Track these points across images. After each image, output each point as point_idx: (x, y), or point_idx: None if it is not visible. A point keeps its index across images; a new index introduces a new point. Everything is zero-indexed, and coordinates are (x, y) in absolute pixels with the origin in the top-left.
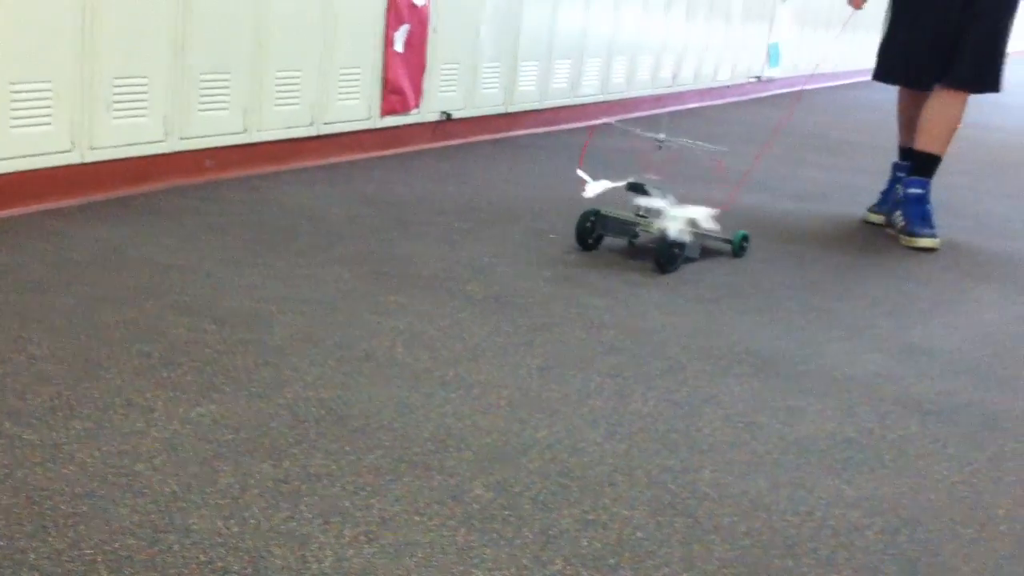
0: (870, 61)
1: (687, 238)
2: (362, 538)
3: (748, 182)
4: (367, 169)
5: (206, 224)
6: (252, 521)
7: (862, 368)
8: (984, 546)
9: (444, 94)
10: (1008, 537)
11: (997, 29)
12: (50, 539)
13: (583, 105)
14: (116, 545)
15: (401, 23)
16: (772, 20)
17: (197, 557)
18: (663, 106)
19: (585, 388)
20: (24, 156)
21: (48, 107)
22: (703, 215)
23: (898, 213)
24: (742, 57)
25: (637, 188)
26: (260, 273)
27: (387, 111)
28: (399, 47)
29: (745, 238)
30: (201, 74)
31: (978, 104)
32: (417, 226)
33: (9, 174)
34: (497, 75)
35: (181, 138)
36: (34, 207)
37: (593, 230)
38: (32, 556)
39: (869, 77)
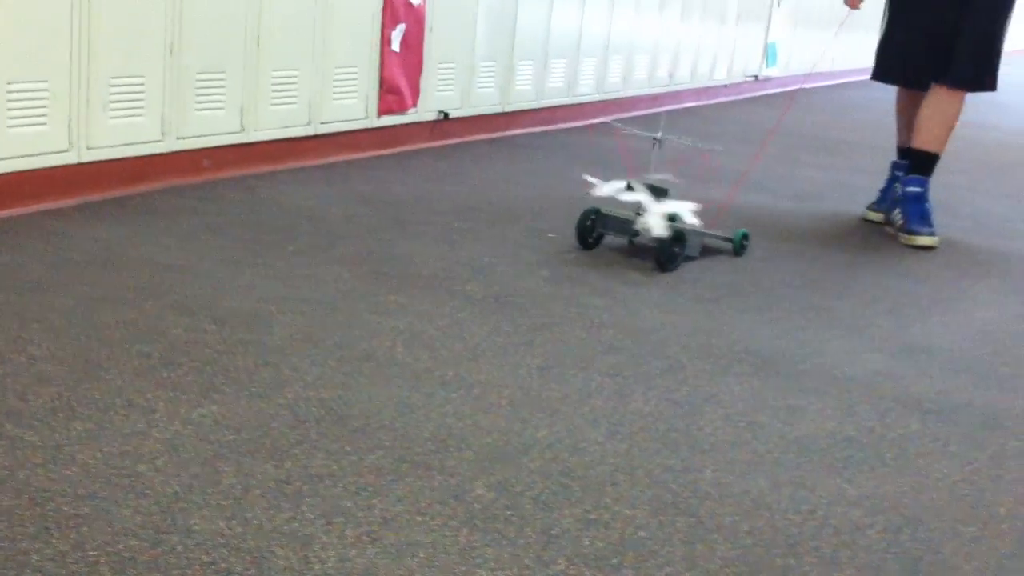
0: (867, 60)
1: (666, 233)
2: (364, 538)
3: (746, 181)
4: (364, 169)
5: (204, 224)
6: (254, 522)
7: (862, 367)
8: (986, 544)
9: (441, 93)
10: (1009, 535)
11: (993, 28)
12: (53, 541)
13: (579, 104)
14: (119, 546)
15: (397, 22)
16: (769, 19)
17: (200, 558)
18: (660, 105)
19: (586, 387)
20: (21, 156)
21: (45, 107)
22: (684, 210)
23: (897, 211)
24: (739, 56)
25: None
26: (259, 273)
27: (384, 111)
28: (396, 47)
29: (746, 236)
30: (197, 73)
31: (975, 103)
32: (415, 226)
33: (6, 174)
34: (493, 74)
35: (178, 138)
36: (32, 207)
37: (593, 229)
38: (35, 558)
39: (866, 76)
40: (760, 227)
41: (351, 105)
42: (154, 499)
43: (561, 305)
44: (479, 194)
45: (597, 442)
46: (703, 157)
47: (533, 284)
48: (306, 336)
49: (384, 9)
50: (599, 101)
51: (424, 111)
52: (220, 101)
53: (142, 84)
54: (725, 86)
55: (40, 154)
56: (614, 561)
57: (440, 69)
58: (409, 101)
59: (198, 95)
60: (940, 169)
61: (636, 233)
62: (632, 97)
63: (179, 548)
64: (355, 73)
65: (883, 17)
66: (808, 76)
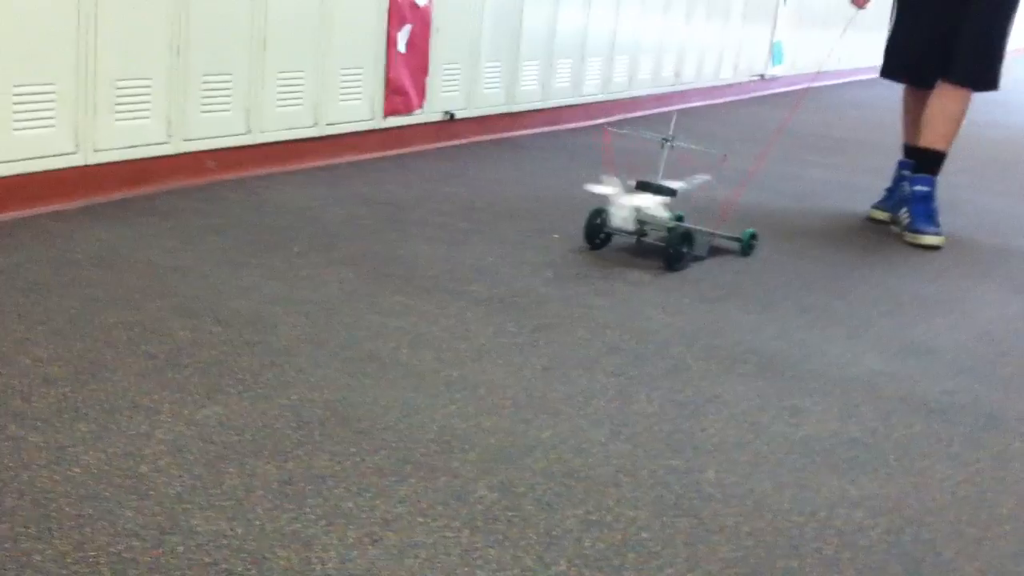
0: (872, 59)
1: (631, 226)
2: (366, 539)
3: (751, 181)
4: (370, 170)
5: (209, 225)
6: (257, 523)
7: (865, 367)
8: (988, 545)
9: (446, 94)
10: (1012, 536)
11: (995, 28)
12: (55, 541)
13: (585, 104)
14: (121, 547)
15: (403, 23)
16: (775, 18)
17: (202, 559)
18: (665, 105)
19: (589, 388)
20: (27, 158)
21: (51, 109)
22: (650, 203)
23: (904, 210)
24: (744, 56)
25: (646, 187)
26: (263, 274)
27: (390, 111)
28: (402, 47)
29: (754, 236)
30: (203, 75)
31: (979, 102)
32: (420, 226)
33: (12, 176)
34: (499, 75)
35: (183, 139)
36: (37, 209)
37: (601, 228)
38: (37, 558)
39: (872, 75)
40: (764, 227)
41: (356, 106)
42: (156, 500)
43: (565, 306)
44: (484, 195)
45: (600, 443)
46: (718, 161)
47: (537, 285)
48: (310, 337)
49: (390, 10)
50: (605, 101)
51: (430, 112)
52: (225, 103)
53: (148, 86)
54: (731, 85)
55: (46, 156)
56: (616, 562)
57: (446, 70)
58: (415, 102)
59: (203, 97)
60: (943, 167)
61: (644, 233)
62: (638, 97)
63: (181, 549)
64: (361, 74)
65: (891, 15)
66: (816, 76)
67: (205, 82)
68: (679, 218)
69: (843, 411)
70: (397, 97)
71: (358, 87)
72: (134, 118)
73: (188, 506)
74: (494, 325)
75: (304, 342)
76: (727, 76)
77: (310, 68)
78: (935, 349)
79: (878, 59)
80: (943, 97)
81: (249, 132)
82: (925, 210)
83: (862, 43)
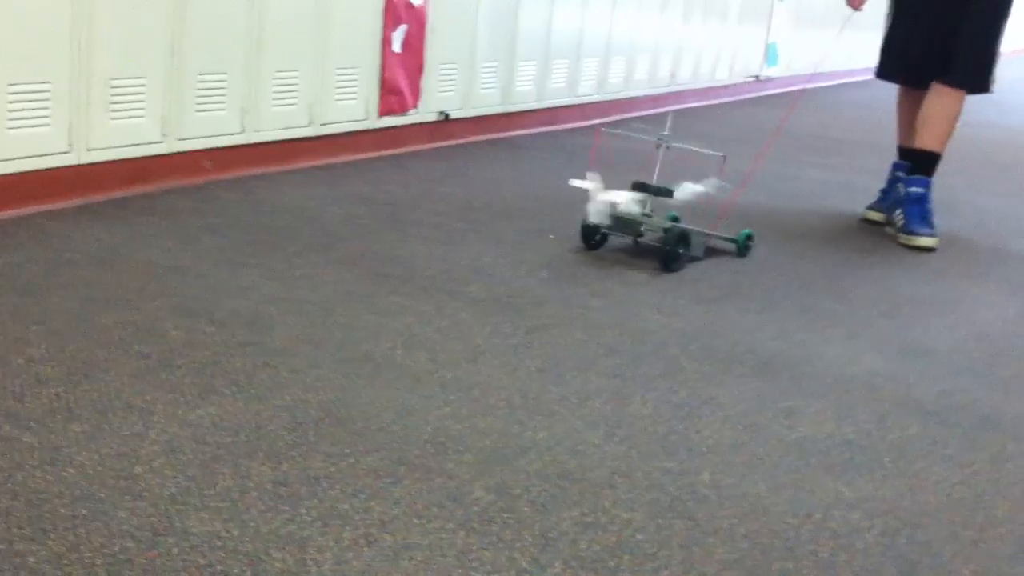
0: (868, 60)
1: (606, 221)
2: (361, 541)
3: (748, 182)
4: (365, 169)
5: (204, 225)
6: (251, 524)
7: (861, 368)
8: (984, 548)
9: (442, 94)
10: (1008, 538)
11: (989, 30)
12: (49, 542)
13: (581, 105)
14: (115, 548)
15: (399, 23)
16: (770, 19)
17: (196, 560)
18: (661, 106)
19: (585, 389)
20: (22, 157)
21: (46, 108)
22: (625, 199)
23: (898, 212)
24: (740, 56)
25: (642, 188)
26: (259, 274)
27: (385, 111)
28: (397, 47)
29: (749, 237)
30: (198, 74)
31: (974, 103)
32: (416, 227)
33: (7, 175)
34: (495, 75)
35: (179, 139)
36: (32, 208)
37: (598, 229)
38: (31, 559)
39: (867, 77)
40: (761, 228)
41: (352, 106)
42: (151, 501)
43: (561, 306)
44: (480, 195)
45: (595, 444)
46: (719, 165)
47: (533, 285)
48: (305, 338)
49: (385, 10)
50: (601, 101)
51: (425, 112)
52: (221, 102)
53: (143, 85)
54: (726, 86)
55: (41, 155)
56: (611, 564)
57: (441, 70)
58: (410, 102)
59: (199, 96)
60: (939, 169)
61: (641, 233)
62: (634, 98)
63: (175, 550)
64: (356, 74)
65: (886, 16)
66: (812, 77)
67: (201, 81)
68: (675, 219)
69: (839, 413)
70: (392, 97)
71: (353, 87)
72: (129, 117)
73: (182, 507)
74: (490, 326)
75: (300, 342)
76: (723, 77)
77: (306, 68)
78: (932, 350)
79: (873, 60)
80: (938, 98)
81: (244, 132)
82: (920, 212)
83: (858, 44)
